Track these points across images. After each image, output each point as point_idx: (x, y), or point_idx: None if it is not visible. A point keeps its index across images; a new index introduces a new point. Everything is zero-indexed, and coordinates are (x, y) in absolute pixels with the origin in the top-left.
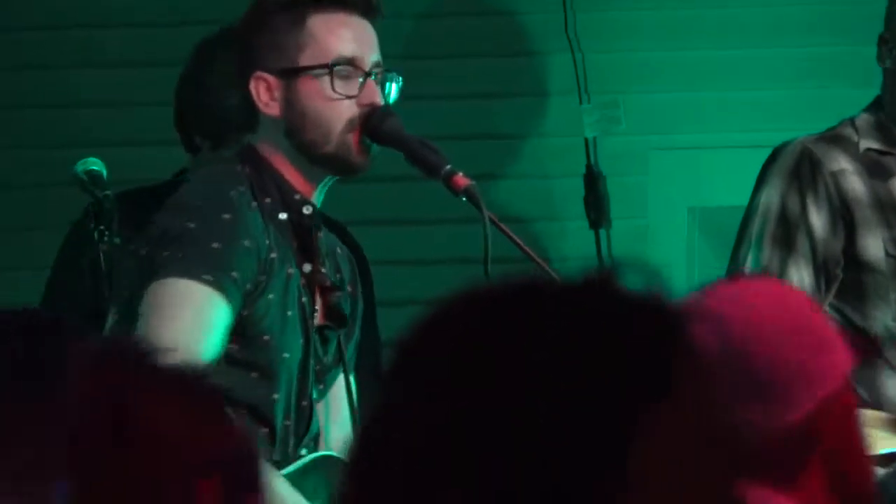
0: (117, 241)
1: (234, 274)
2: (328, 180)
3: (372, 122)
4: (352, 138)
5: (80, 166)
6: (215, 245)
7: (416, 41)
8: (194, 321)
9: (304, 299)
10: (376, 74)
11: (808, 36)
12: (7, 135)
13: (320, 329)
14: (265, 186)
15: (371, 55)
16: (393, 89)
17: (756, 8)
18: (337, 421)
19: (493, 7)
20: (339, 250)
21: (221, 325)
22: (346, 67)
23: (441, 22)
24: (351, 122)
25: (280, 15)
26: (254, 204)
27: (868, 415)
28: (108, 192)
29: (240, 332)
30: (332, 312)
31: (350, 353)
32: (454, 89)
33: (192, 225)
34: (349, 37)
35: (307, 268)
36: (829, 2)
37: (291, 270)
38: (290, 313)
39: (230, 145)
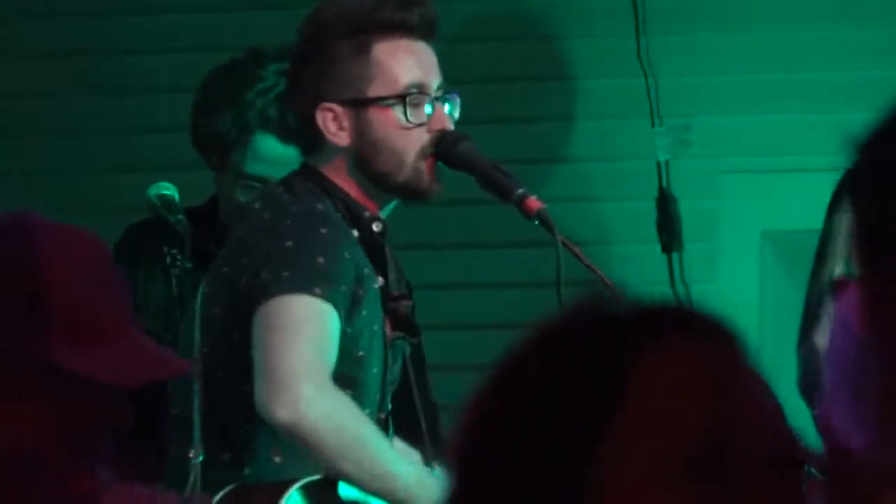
0: (189, 265)
1: (343, 287)
2: (394, 201)
3: (444, 146)
4: (424, 165)
5: (154, 190)
6: (320, 259)
7: (489, 65)
8: (317, 335)
9: (383, 314)
10: (441, 97)
11: (882, 58)
12: (89, 160)
13: (393, 340)
14: (335, 206)
15: (435, 79)
16: (456, 108)
17: (827, 31)
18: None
19: (566, 31)
20: (398, 264)
21: (337, 338)
22: (415, 95)
23: (515, 45)
24: (423, 149)
25: (342, 43)
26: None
27: None
28: (181, 217)
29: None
30: (402, 322)
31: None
32: (527, 113)
33: (290, 243)
34: (415, 63)
35: (380, 281)
36: None
37: (377, 285)
38: (376, 328)
39: (235, 161)
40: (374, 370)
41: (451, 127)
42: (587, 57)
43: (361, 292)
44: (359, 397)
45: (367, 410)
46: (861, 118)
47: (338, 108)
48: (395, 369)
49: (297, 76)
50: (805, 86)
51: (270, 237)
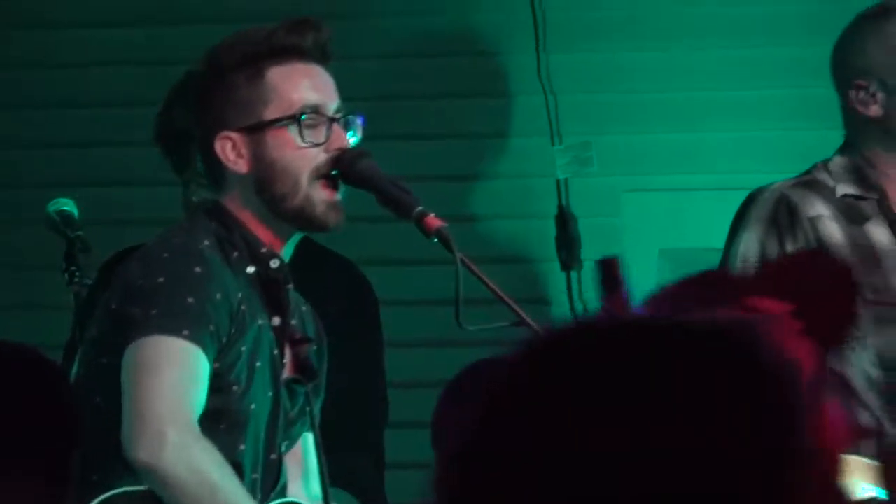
0: (88, 282)
1: (211, 327)
2: (296, 236)
3: (343, 163)
4: (318, 190)
5: (52, 206)
6: (190, 300)
7: (389, 81)
8: (181, 378)
9: (275, 352)
10: (340, 119)
11: (781, 78)
12: None
13: (288, 382)
14: (233, 240)
15: (332, 101)
16: (357, 130)
17: (729, 50)
18: (297, 479)
19: (466, 49)
20: (303, 308)
21: (205, 379)
22: (311, 116)
23: (413, 62)
24: (318, 169)
25: (237, 72)
26: (221, 257)
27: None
28: (79, 233)
29: (211, 384)
30: (302, 365)
31: (317, 409)
32: (426, 130)
33: (162, 279)
34: (310, 85)
35: (276, 321)
36: (806, 44)
37: (262, 322)
38: (258, 364)
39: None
40: (253, 406)
41: (349, 144)
42: (488, 74)
43: (235, 331)
44: (236, 431)
45: (246, 447)
46: (761, 138)
47: (236, 136)
48: (296, 411)
49: (198, 104)
50: (705, 105)
51: (145, 270)
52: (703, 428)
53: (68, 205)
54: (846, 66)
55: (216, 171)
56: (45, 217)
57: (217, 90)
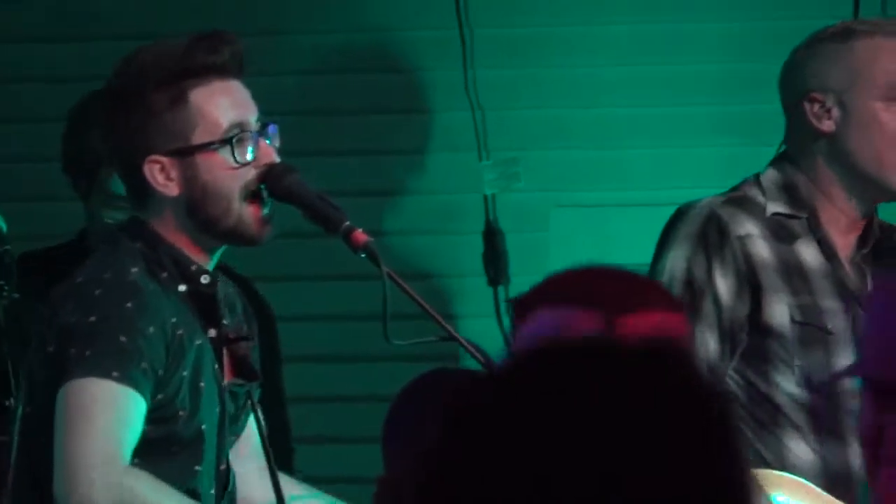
0: (16, 296)
1: (144, 364)
2: (220, 249)
3: (271, 178)
4: (249, 208)
5: None
6: (122, 339)
7: (316, 96)
8: (112, 422)
9: (215, 366)
10: (262, 132)
11: (711, 94)
12: None
13: (230, 387)
14: (161, 261)
15: (253, 114)
16: (275, 139)
17: (657, 66)
18: (244, 456)
19: (394, 63)
20: (230, 292)
21: (137, 419)
22: (239, 135)
23: (341, 78)
24: (247, 187)
25: (160, 94)
26: (151, 286)
27: (772, 476)
28: (7, 248)
29: (157, 415)
30: (240, 364)
31: (258, 394)
32: (353, 145)
33: (94, 318)
34: (232, 103)
35: (212, 332)
36: (733, 59)
37: (199, 341)
38: (202, 384)
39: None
40: (204, 426)
41: (277, 158)
42: (415, 90)
43: (173, 360)
44: (190, 454)
45: (202, 466)
46: (690, 153)
47: (164, 160)
48: (242, 415)
49: (119, 126)
50: (634, 120)
51: (78, 308)
52: (659, 448)
53: None
54: (802, 79)
55: (140, 193)
56: None
57: (137, 113)
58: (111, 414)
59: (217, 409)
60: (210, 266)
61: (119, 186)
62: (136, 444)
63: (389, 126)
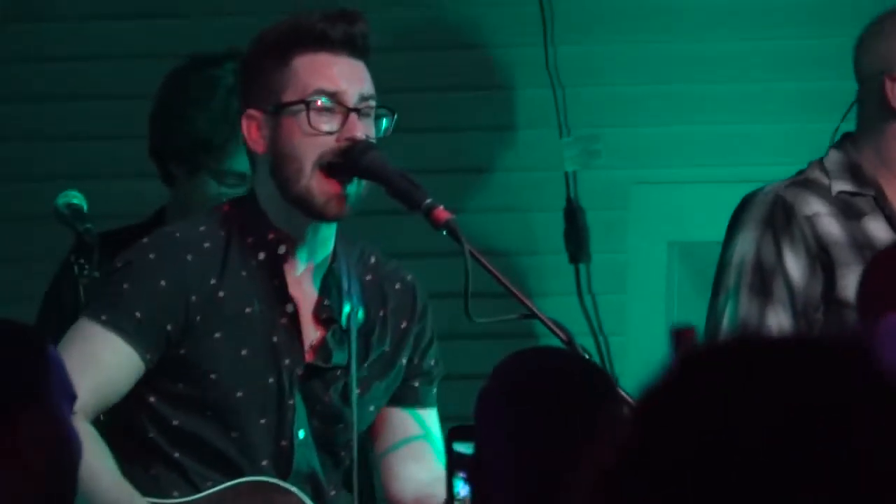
0: (97, 274)
1: (139, 314)
2: (313, 223)
3: (352, 156)
4: (319, 180)
5: (62, 199)
6: (125, 286)
7: (396, 73)
8: (78, 364)
9: (274, 339)
10: (365, 110)
11: (789, 70)
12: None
13: (307, 367)
14: (250, 226)
15: (357, 90)
16: (388, 124)
17: (736, 42)
18: (409, 459)
19: (473, 41)
20: (366, 281)
21: (116, 366)
22: (327, 102)
23: (420, 55)
24: (322, 157)
25: (270, 56)
26: (207, 245)
27: None
28: (89, 226)
29: (183, 372)
30: (321, 349)
31: (378, 391)
32: (435, 123)
33: (121, 264)
34: (331, 73)
35: (289, 307)
36: (812, 36)
37: (250, 309)
38: (244, 352)
39: (203, 172)
40: (239, 394)
41: (362, 136)
42: (495, 67)
43: (200, 317)
44: (224, 420)
45: (240, 434)
46: (769, 130)
47: (258, 116)
48: (333, 396)
49: (240, 87)
50: (712, 97)
51: (123, 254)
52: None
53: (77, 197)
54: (882, 57)
55: (249, 152)
56: (54, 210)
57: (249, 72)
58: (81, 356)
59: (271, 380)
60: (307, 240)
61: (233, 163)
62: (112, 393)
63: (470, 103)
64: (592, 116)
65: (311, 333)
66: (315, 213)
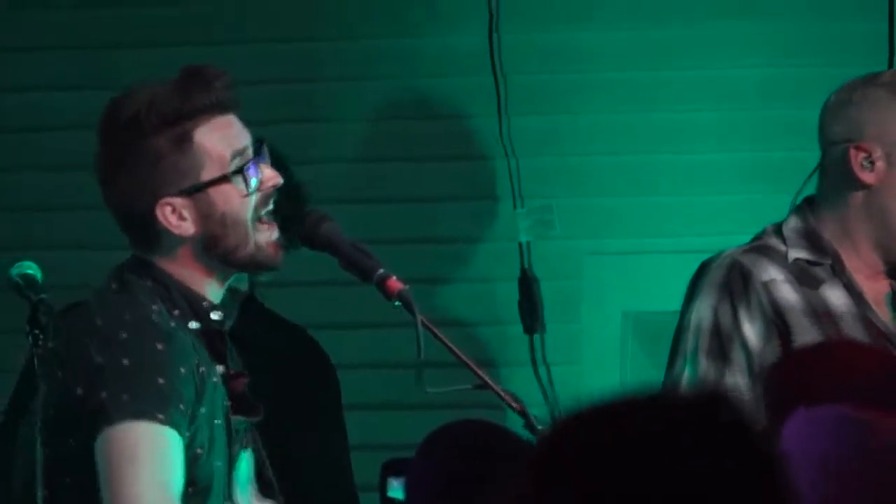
0: (51, 345)
1: (182, 406)
2: (230, 279)
3: (307, 227)
4: (261, 231)
5: (15, 270)
6: (160, 381)
7: (355, 144)
8: (161, 466)
9: (226, 402)
10: (259, 155)
11: (745, 140)
12: None
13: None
14: (173, 299)
15: (248, 141)
16: (266, 155)
17: (691, 113)
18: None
19: (428, 112)
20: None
21: (181, 460)
22: (245, 165)
23: (375, 125)
24: (256, 209)
25: (161, 139)
26: (172, 324)
27: None
28: (43, 296)
29: None
30: (238, 400)
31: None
32: (390, 193)
33: (127, 362)
34: (232, 134)
35: (220, 369)
36: (768, 107)
37: (215, 379)
38: (217, 422)
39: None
40: (218, 463)
41: (280, 177)
42: (449, 137)
43: (198, 399)
44: (204, 493)
45: (215, 502)
46: (723, 201)
47: (176, 201)
48: (237, 445)
49: (123, 176)
50: (667, 168)
51: (104, 351)
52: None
53: (31, 268)
54: (853, 124)
55: (150, 237)
56: (8, 280)
57: (143, 157)
58: (160, 458)
59: (226, 447)
60: (219, 300)
61: None
62: (181, 486)
63: (424, 173)
64: (546, 187)
65: (234, 387)
66: (266, 265)
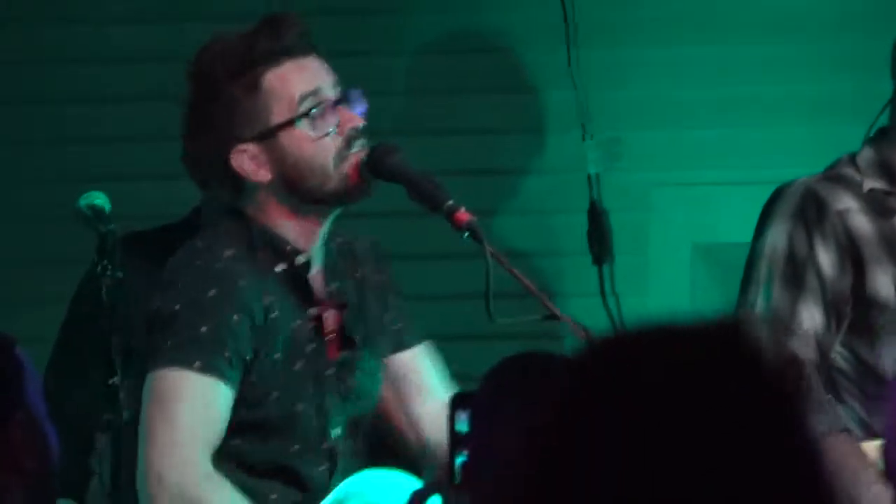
0: (120, 275)
1: (227, 353)
2: (331, 216)
3: (374, 158)
4: (347, 168)
5: (84, 200)
6: (204, 329)
7: (419, 77)
8: (192, 418)
9: (312, 346)
10: (342, 99)
11: (812, 73)
12: (10, 171)
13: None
14: (254, 244)
15: (328, 83)
16: (360, 103)
17: (759, 46)
18: (415, 401)
19: (497, 44)
20: (336, 249)
21: (223, 409)
22: (315, 106)
23: (445, 58)
24: (340, 153)
25: (232, 85)
26: (244, 267)
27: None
28: (111, 227)
29: (247, 396)
30: (339, 338)
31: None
32: (458, 125)
33: (178, 307)
34: (302, 78)
35: (313, 311)
36: (834, 39)
37: (295, 324)
38: (297, 367)
39: None
40: (299, 407)
41: (362, 122)
42: (518, 69)
43: (263, 344)
44: (284, 436)
45: (300, 445)
46: (792, 132)
47: (250, 147)
48: (357, 387)
49: (197, 124)
50: (735, 100)
51: (163, 295)
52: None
53: (100, 199)
54: None
55: (234, 185)
56: (76, 211)
57: (214, 106)
58: (192, 408)
59: (313, 391)
60: (315, 242)
61: None
62: (221, 434)
63: (493, 106)
64: (615, 119)
65: (329, 326)
66: (351, 199)
